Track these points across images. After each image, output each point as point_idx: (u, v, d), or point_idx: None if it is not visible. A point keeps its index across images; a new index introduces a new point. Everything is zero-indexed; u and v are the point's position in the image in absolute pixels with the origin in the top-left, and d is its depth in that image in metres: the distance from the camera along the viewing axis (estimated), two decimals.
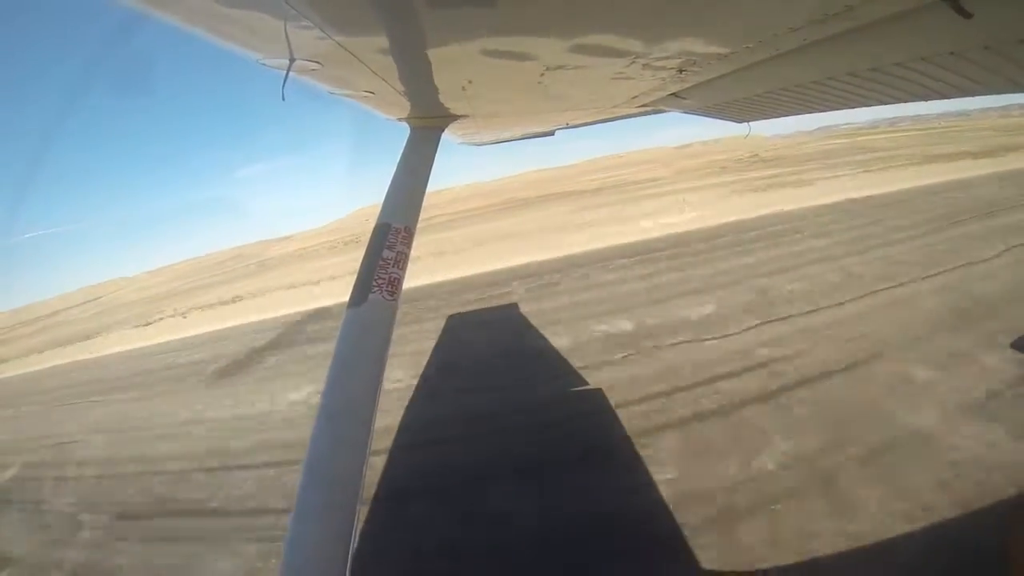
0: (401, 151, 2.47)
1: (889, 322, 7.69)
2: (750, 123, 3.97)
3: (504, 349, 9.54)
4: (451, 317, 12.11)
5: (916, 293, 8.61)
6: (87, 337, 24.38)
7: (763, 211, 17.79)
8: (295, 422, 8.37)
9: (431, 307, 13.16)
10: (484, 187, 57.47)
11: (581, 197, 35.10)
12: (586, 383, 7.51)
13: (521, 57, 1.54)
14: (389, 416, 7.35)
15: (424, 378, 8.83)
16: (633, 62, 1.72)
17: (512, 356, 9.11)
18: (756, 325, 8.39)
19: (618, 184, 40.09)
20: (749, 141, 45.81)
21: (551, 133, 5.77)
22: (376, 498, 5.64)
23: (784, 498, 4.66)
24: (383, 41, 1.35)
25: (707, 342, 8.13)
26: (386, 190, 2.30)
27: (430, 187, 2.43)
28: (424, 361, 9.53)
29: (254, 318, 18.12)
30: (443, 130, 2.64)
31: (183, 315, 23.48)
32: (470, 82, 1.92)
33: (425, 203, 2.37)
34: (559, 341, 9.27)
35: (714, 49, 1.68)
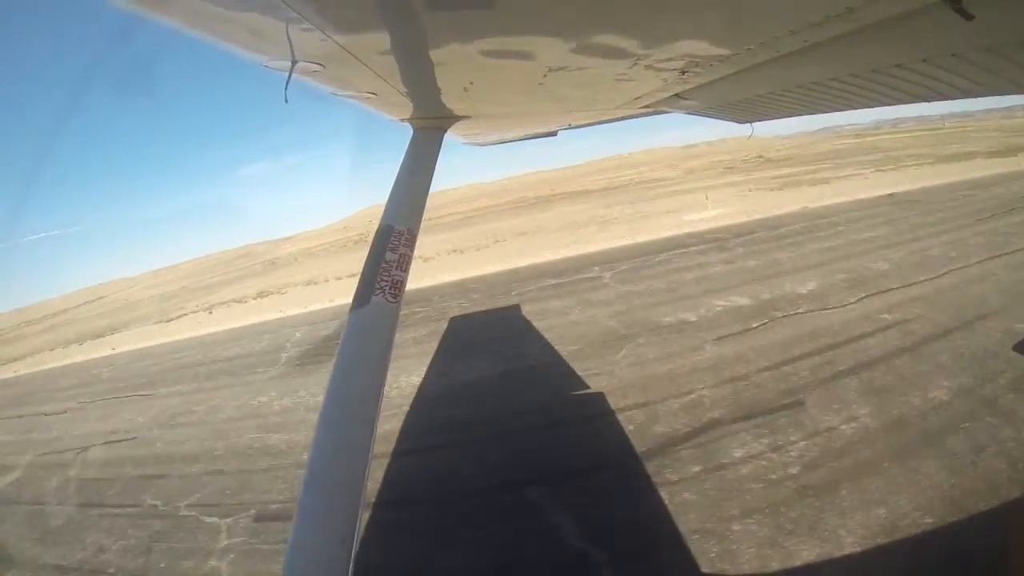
0: (404, 152, 2.47)
1: (977, 293, 8.49)
2: (753, 124, 3.97)
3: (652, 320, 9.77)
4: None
5: (989, 271, 9.35)
6: (100, 335, 24.42)
7: (793, 207, 18.10)
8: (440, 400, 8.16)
9: (528, 288, 13.64)
10: (486, 188, 57.56)
11: (591, 197, 35.18)
12: (744, 344, 7.99)
13: (523, 58, 1.54)
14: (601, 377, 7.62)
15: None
16: (636, 64, 1.72)
17: (662, 328, 9.35)
18: (866, 296, 9.06)
19: (625, 184, 40.12)
20: (753, 142, 45.74)
21: (554, 133, 5.77)
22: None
23: (965, 421, 5.29)
24: (385, 43, 1.36)
25: (831, 310, 8.74)
26: (389, 192, 2.30)
27: (433, 188, 2.44)
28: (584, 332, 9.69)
29: (297, 311, 17.86)
30: (446, 131, 2.64)
31: (208, 311, 23.45)
32: (472, 83, 1.93)
33: (433, 202, 2.37)
34: (686, 315, 9.60)
35: (716, 51, 1.69)
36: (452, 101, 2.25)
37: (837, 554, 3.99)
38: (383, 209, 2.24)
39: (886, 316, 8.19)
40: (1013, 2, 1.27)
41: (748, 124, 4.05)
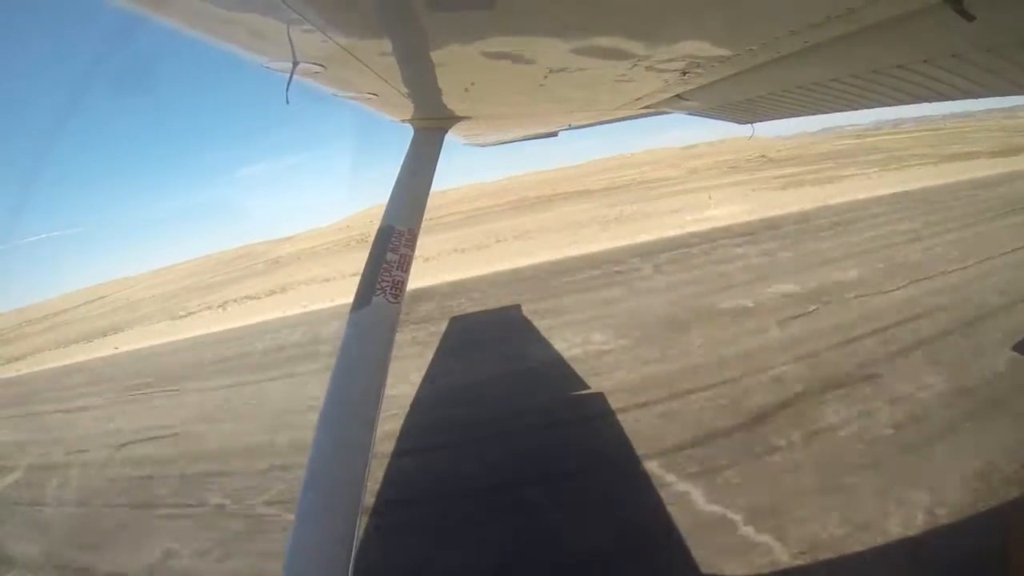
0: (404, 153, 2.47)
1: (1016, 278, 8.80)
2: (753, 124, 3.96)
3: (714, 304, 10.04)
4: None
5: (1021, 260, 9.63)
6: (105, 333, 24.38)
7: (805, 206, 18.33)
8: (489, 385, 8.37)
9: (567, 280, 13.92)
10: (487, 188, 57.40)
11: (593, 196, 35.11)
12: (807, 329, 8.28)
13: (524, 60, 1.54)
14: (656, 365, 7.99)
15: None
16: (636, 64, 1.72)
17: (724, 312, 9.62)
18: (910, 283, 9.37)
19: (627, 184, 40.02)
20: (754, 142, 45.62)
21: (554, 134, 5.77)
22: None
23: None
24: (386, 44, 1.36)
25: (879, 295, 9.05)
26: (389, 193, 2.30)
27: (434, 188, 2.44)
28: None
29: (317, 306, 17.77)
30: (446, 131, 2.64)
31: (221, 307, 23.42)
32: (473, 84, 1.93)
33: (434, 202, 2.37)
34: (741, 302, 9.81)
35: (717, 51, 1.68)
36: (453, 102, 2.25)
37: (949, 499, 4.45)
38: (384, 210, 2.24)
39: (932, 300, 8.53)
40: (1014, 3, 1.27)
41: (749, 124, 4.05)
